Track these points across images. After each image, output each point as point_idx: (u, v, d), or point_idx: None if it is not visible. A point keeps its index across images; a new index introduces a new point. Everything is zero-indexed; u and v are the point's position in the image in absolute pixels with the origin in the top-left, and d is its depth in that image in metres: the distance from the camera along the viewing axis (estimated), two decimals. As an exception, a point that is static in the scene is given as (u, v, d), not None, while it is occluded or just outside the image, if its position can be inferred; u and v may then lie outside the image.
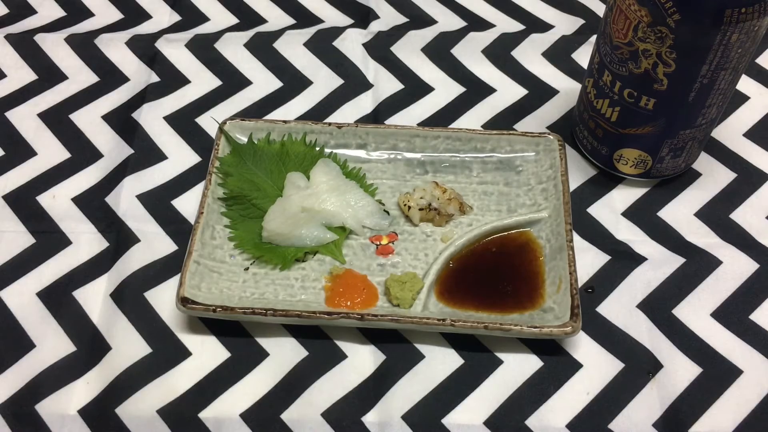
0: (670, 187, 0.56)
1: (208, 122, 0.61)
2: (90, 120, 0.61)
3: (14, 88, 0.63)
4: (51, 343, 0.49)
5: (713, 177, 0.57)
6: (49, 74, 0.64)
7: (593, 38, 0.65)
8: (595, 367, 0.48)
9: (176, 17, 0.69)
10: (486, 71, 0.64)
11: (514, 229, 0.53)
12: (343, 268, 0.51)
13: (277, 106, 0.62)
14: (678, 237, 0.54)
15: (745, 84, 0.63)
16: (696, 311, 0.50)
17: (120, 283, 0.51)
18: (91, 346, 0.49)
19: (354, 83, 0.64)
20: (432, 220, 0.53)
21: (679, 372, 0.47)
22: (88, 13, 0.70)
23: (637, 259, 0.52)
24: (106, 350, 0.48)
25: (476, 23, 0.69)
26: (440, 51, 0.66)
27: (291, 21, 0.69)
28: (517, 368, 0.48)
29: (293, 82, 0.64)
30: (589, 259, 0.52)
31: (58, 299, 0.51)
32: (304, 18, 0.69)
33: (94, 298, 0.51)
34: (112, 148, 0.59)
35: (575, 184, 0.56)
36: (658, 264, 0.52)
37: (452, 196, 0.53)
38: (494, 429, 0.45)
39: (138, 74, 0.64)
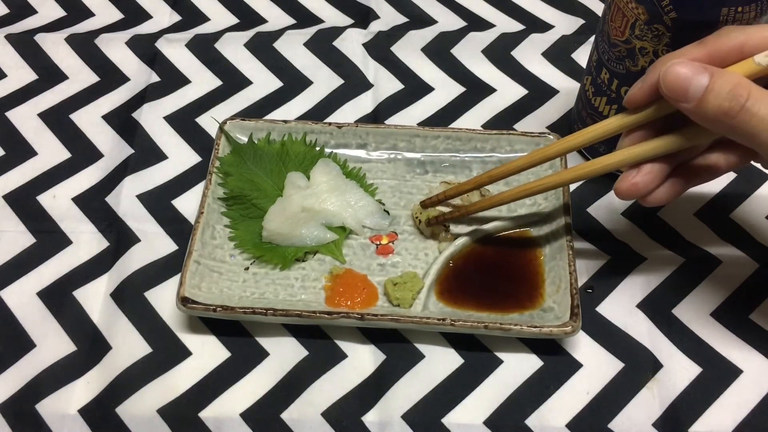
0: (669, 187, 0.56)
1: (209, 122, 0.61)
2: (90, 120, 0.61)
3: (14, 88, 0.63)
4: (51, 342, 0.49)
5: (713, 177, 0.57)
6: (49, 74, 0.64)
7: (593, 38, 0.65)
8: (595, 366, 0.48)
9: (176, 17, 0.69)
10: (486, 71, 0.64)
11: (514, 229, 0.53)
12: (343, 268, 0.51)
13: (277, 106, 0.62)
14: (678, 237, 0.54)
15: (745, 84, 0.63)
16: (696, 311, 0.50)
17: (120, 283, 0.51)
18: (91, 345, 0.49)
19: (354, 83, 0.64)
20: (437, 237, 0.53)
21: (679, 372, 0.47)
22: (88, 13, 0.70)
23: (637, 259, 0.52)
24: (106, 350, 0.48)
25: (476, 23, 0.69)
26: (440, 51, 0.66)
27: (291, 21, 0.69)
28: (517, 368, 0.48)
29: (293, 82, 0.64)
30: (589, 259, 0.52)
31: (59, 299, 0.51)
32: (304, 18, 0.69)
33: (95, 298, 0.51)
34: (113, 148, 0.59)
35: (575, 184, 0.56)
36: (658, 264, 0.52)
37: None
38: (494, 428, 0.45)
39: (138, 74, 0.64)
